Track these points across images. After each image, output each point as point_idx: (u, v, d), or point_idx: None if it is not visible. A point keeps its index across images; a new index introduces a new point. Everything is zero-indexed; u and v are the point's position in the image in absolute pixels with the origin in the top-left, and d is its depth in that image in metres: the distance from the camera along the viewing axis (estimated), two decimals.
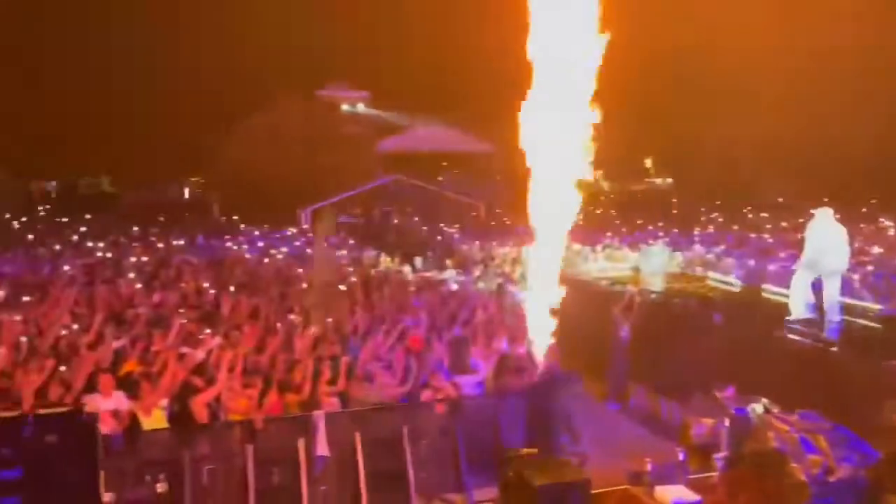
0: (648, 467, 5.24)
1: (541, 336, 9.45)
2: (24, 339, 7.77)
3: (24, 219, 27.72)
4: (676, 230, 20.06)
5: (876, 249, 14.81)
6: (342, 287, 11.41)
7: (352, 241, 19.38)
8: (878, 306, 10.22)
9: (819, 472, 5.21)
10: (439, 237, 20.09)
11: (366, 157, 33.19)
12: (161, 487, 5.20)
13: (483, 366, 8.01)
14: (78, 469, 3.03)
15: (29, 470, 2.96)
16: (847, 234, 9.45)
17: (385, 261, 16.31)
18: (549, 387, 7.92)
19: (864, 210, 23.03)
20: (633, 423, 8.89)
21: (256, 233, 20.98)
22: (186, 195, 47.09)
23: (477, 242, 17.76)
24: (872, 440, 5.55)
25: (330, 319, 9.24)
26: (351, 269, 13.75)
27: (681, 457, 5.62)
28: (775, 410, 6.21)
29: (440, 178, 36.55)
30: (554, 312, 12.63)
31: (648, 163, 45.05)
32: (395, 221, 24.74)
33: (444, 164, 39.19)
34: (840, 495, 4.63)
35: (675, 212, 28.40)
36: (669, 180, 41.41)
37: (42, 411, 3.58)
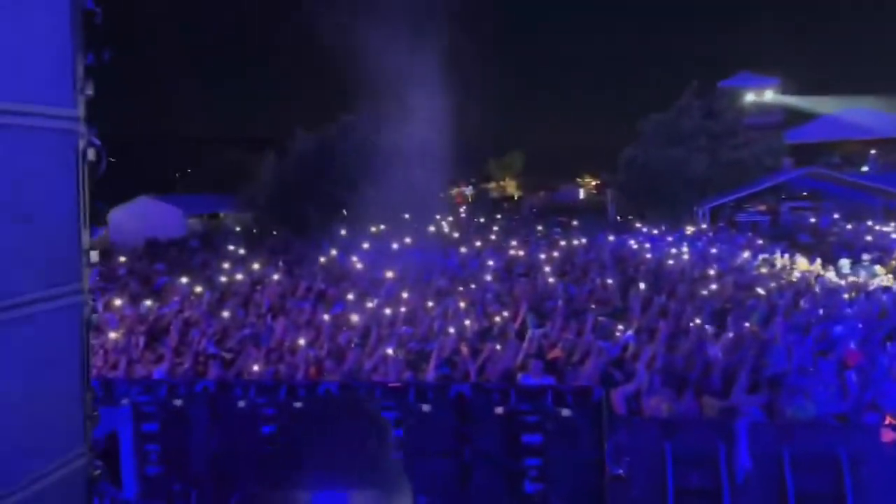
0: None
1: None
2: (468, 322, 9.05)
3: (450, 218, 32.24)
4: None
5: None
6: (760, 290, 10.66)
7: (759, 242, 17.97)
8: None
9: None
10: (869, 237, 17.36)
11: (773, 150, 30.37)
12: (620, 471, 5.52)
13: None
14: (587, 443, 3.42)
15: (548, 438, 3.44)
16: None
17: (800, 263, 14.74)
18: None
19: None
20: None
21: (655, 231, 20.90)
22: (582, 196, 49.32)
23: None
24: None
25: (747, 325, 8.73)
26: (763, 271, 12.77)
27: None
28: None
29: (865, 169, 31.62)
30: None
31: None
32: (812, 220, 22.14)
33: (873, 152, 33.71)
34: None
35: None
36: None
37: (559, 385, 4.13)
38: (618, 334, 8.58)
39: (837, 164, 32.15)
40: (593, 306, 10.25)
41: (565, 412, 3.39)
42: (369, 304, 10.57)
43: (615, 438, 6.75)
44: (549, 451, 3.36)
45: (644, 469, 6.65)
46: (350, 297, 11.46)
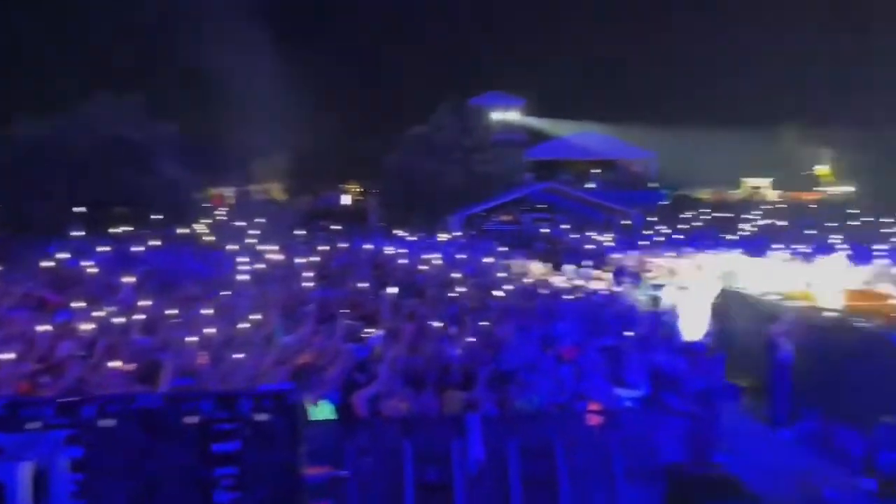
0: (826, 495, 4.88)
1: (698, 349, 9.07)
2: (211, 330, 8.59)
3: (206, 220, 30.46)
4: (857, 243, 18.32)
5: None
6: (497, 293, 11.54)
7: (501, 249, 19.52)
8: None
9: None
10: (591, 246, 19.76)
11: (516, 165, 33.42)
12: (343, 473, 5.55)
13: (640, 379, 7.81)
14: (284, 447, 3.33)
15: (246, 444, 3.30)
16: None
17: (535, 268, 16.28)
18: (709, 402, 7.61)
19: None
20: (802, 448, 8.27)
21: (411, 238, 21.69)
22: (346, 202, 49.59)
23: (633, 252, 17.28)
24: None
25: (485, 323, 9.39)
26: (503, 275, 13.88)
27: (872, 487, 5.20)
28: None
29: (591, 186, 36.00)
30: (714, 326, 12.04)
31: (821, 170, 41.64)
32: (546, 230, 24.67)
33: (597, 171, 38.56)
34: None
35: (854, 223, 26.00)
36: (850, 189, 37.74)
37: (255, 390, 3.99)
38: (366, 337, 8.73)
39: (569, 181, 36.38)
40: (346, 310, 10.31)
41: (261, 416, 3.35)
42: (100, 313, 9.56)
43: (356, 440, 6.86)
44: (244, 458, 3.29)
45: (384, 468, 6.85)
46: (78, 304, 10.27)
